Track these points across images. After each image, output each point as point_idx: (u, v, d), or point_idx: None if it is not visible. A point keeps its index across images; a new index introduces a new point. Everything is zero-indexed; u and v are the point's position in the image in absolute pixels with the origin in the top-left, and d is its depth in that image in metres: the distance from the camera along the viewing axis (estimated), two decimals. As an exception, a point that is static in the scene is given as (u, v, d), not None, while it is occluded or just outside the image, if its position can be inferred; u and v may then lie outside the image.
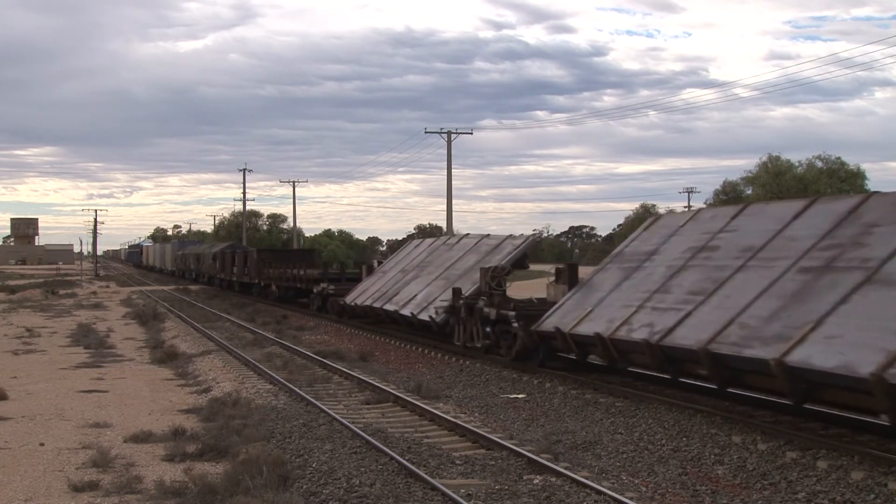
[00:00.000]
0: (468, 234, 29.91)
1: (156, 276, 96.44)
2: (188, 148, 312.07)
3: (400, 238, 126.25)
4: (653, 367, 14.80)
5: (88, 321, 34.77)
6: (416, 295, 26.08)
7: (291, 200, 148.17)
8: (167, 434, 12.64)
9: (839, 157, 62.43)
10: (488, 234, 27.78)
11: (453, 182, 62.27)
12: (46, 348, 25.48)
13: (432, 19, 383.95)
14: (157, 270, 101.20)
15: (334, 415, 13.84)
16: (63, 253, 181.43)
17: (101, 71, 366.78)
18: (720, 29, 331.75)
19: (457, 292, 22.61)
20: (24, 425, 13.91)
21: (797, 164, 62.69)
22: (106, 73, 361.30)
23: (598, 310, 16.66)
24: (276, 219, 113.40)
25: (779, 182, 59.40)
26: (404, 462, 10.65)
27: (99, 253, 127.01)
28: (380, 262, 35.49)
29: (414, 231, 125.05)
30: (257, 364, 20.17)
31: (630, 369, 16.19)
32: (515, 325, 19.12)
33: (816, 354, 11.06)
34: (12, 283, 72.92)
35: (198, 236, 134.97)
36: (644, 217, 72.73)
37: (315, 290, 36.40)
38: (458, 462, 11.01)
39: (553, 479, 10.03)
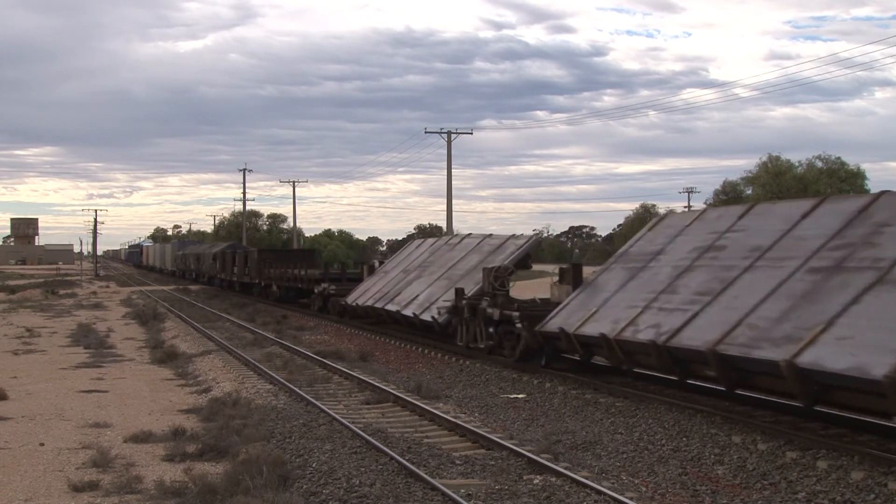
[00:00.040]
0: (470, 234, 29.87)
1: (156, 276, 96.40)
2: (188, 148, 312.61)
3: (400, 238, 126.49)
4: (659, 369, 14.63)
5: (88, 321, 34.76)
6: (418, 295, 26.04)
7: (291, 200, 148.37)
8: (167, 434, 12.63)
9: (839, 157, 62.66)
10: (491, 234, 27.75)
11: (453, 182, 62.33)
12: (46, 348, 25.48)
13: (432, 19, 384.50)
14: (158, 270, 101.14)
15: (334, 415, 13.83)
16: (63, 253, 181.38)
17: (101, 71, 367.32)
18: (720, 29, 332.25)
19: (459, 292, 22.55)
20: (24, 425, 13.91)
21: (797, 164, 62.85)
22: (106, 73, 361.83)
23: (603, 310, 16.53)
24: (276, 219, 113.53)
25: (779, 182, 59.46)
26: (404, 462, 10.65)
27: (99, 253, 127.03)
28: (381, 263, 35.51)
29: (414, 231, 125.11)
30: (257, 364, 20.17)
31: (636, 370, 16.04)
32: (519, 325, 19.04)
33: (828, 356, 10.91)
34: (12, 283, 72.90)
35: (198, 236, 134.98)
36: (644, 217, 72.94)
37: (316, 291, 36.40)
38: (458, 462, 11.00)
39: (553, 479, 10.02)
